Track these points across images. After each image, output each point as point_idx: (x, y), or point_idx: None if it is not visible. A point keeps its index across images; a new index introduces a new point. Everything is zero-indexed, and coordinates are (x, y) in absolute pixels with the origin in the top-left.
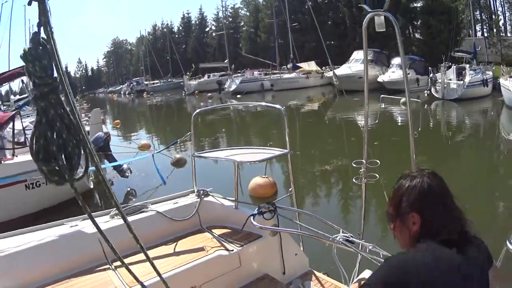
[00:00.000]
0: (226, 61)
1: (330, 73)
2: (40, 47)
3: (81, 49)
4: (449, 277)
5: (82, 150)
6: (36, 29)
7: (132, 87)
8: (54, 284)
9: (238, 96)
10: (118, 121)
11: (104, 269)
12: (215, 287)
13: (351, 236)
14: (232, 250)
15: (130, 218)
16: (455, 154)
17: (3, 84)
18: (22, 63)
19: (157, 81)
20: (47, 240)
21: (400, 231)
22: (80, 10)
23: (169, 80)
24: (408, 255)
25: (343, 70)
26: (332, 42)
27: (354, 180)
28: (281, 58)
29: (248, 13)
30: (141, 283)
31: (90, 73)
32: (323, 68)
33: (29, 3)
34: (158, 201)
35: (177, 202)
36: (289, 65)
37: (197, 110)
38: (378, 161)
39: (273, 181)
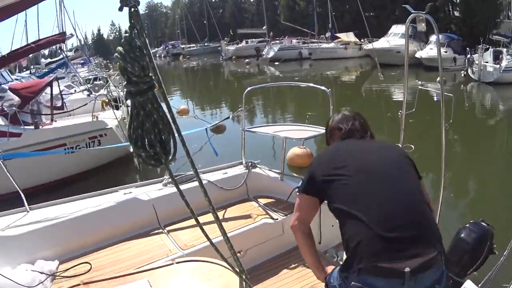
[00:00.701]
0: (264, 27)
1: (369, 46)
2: (137, 50)
3: (113, 11)
4: (348, 147)
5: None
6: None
7: (168, 50)
8: (113, 246)
9: (276, 63)
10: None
11: (158, 233)
12: (259, 252)
13: None
14: (277, 219)
15: (183, 186)
16: (487, 137)
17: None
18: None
19: (194, 45)
20: (105, 206)
21: None
22: None
23: (205, 44)
24: None
25: (381, 43)
26: (371, 14)
27: None
28: (319, 27)
29: None
30: (209, 239)
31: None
32: (362, 40)
33: (120, 9)
34: (208, 171)
35: (226, 173)
36: (327, 34)
37: (248, 88)
38: (412, 146)
39: (310, 152)
